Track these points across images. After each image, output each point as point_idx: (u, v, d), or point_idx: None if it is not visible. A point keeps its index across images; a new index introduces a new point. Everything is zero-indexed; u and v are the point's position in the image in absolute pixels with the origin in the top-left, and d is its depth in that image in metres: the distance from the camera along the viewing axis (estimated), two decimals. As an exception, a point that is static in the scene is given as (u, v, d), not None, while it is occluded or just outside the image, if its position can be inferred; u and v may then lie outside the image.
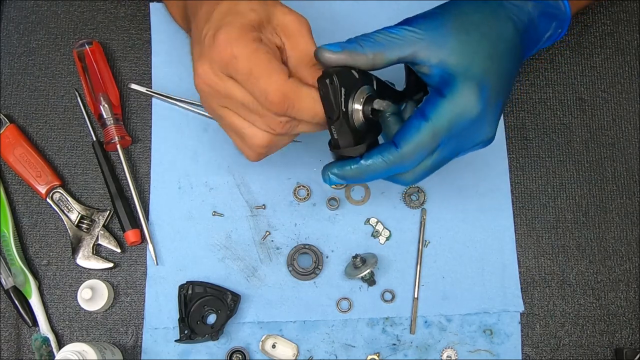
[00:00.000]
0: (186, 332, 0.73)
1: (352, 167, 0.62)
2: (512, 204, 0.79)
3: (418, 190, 0.79)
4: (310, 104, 0.60)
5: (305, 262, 0.77)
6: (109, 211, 0.78)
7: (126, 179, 0.78)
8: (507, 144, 0.80)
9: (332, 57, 0.60)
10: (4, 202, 0.79)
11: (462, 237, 0.78)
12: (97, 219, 0.78)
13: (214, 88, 0.60)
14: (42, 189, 0.78)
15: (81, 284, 0.76)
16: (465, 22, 0.63)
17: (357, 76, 0.62)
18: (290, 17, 0.62)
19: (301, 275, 0.77)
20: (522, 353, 0.76)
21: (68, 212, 0.78)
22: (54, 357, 0.74)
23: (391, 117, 0.64)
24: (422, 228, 0.78)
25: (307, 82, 0.61)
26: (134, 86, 0.82)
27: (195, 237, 0.78)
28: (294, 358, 0.75)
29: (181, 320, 0.74)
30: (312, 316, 0.76)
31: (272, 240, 0.78)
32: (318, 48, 0.61)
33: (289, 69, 0.61)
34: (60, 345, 0.75)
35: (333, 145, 0.62)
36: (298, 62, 0.62)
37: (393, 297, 0.76)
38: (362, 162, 0.62)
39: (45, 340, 0.75)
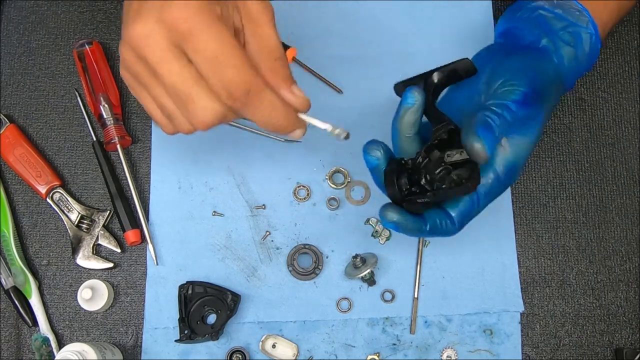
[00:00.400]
0: (186, 332, 0.73)
1: (414, 226, 0.63)
2: (512, 204, 0.79)
3: (418, 190, 0.78)
4: (267, 111, 0.56)
5: (305, 262, 0.77)
6: (109, 211, 0.78)
7: (126, 179, 0.78)
8: (507, 144, 0.81)
9: None
10: (4, 202, 0.79)
11: (462, 237, 0.78)
12: (97, 219, 0.78)
13: (155, 51, 0.52)
14: (42, 189, 0.78)
15: (81, 284, 0.76)
16: (549, 112, 0.66)
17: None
18: (255, 0, 0.56)
19: (301, 275, 0.77)
20: (522, 353, 0.76)
21: (68, 212, 0.78)
22: (54, 357, 0.74)
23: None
24: (422, 228, 0.78)
25: (264, 75, 0.56)
26: (134, 86, 0.81)
27: (195, 237, 0.78)
28: (294, 358, 0.75)
29: (181, 320, 0.74)
30: (312, 316, 0.76)
31: (272, 240, 0.78)
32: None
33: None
34: (60, 345, 0.75)
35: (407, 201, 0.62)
36: (257, 52, 0.57)
37: (393, 297, 0.76)
38: (424, 228, 0.63)
39: (45, 340, 0.75)
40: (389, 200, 0.64)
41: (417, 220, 0.63)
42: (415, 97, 0.62)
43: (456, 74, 0.65)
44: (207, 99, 0.54)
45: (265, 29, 0.57)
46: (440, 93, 0.65)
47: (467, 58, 0.65)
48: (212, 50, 0.51)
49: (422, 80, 0.64)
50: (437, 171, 0.61)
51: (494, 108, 0.61)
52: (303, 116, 0.60)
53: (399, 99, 0.67)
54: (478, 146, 0.59)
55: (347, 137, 0.61)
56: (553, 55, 0.67)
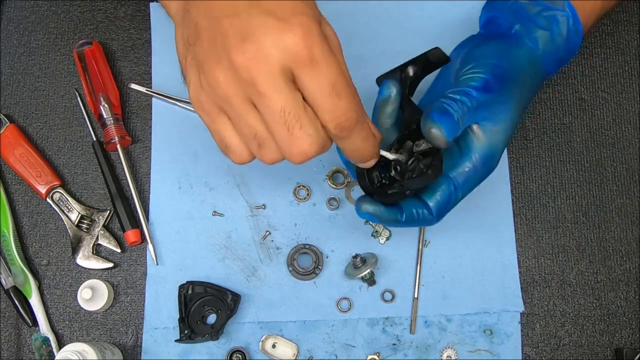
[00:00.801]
0: (186, 332, 0.73)
1: (389, 217, 0.64)
2: (512, 204, 0.79)
3: (418, 190, 0.79)
4: (361, 141, 0.55)
5: (305, 262, 0.77)
6: (109, 211, 0.78)
7: (126, 179, 0.78)
8: (507, 144, 0.81)
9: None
10: (4, 202, 0.79)
11: (462, 237, 0.78)
12: (97, 219, 0.78)
13: (254, 81, 0.49)
14: (42, 189, 0.78)
15: (81, 284, 0.76)
16: (522, 96, 0.66)
17: None
18: (332, 30, 0.54)
19: (301, 275, 0.77)
20: (522, 353, 0.76)
21: (68, 212, 0.78)
22: (54, 357, 0.74)
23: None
24: (422, 228, 0.78)
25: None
26: (134, 86, 0.82)
27: (195, 237, 0.78)
28: (294, 358, 0.75)
29: (181, 320, 0.74)
30: (312, 316, 0.76)
31: (272, 240, 0.78)
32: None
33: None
34: (60, 345, 0.75)
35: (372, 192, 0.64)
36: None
37: (393, 297, 0.76)
38: (400, 218, 0.64)
39: (45, 340, 0.75)
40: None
41: (392, 211, 0.64)
42: (390, 89, 0.63)
43: (429, 63, 0.66)
44: (312, 129, 0.52)
45: (341, 58, 0.55)
46: (417, 85, 0.66)
47: (437, 47, 0.66)
48: (331, 79, 0.50)
49: (398, 72, 0.65)
50: (409, 162, 0.62)
51: (452, 95, 0.62)
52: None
53: None
54: (435, 131, 0.60)
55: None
56: (525, 40, 0.67)
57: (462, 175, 0.64)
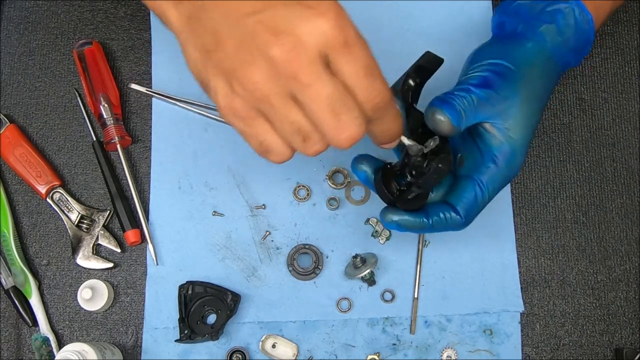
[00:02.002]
0: (186, 332, 0.73)
1: (416, 223, 0.65)
2: (512, 204, 0.79)
3: (418, 190, 0.79)
4: (392, 122, 0.56)
5: (305, 262, 0.77)
6: (109, 211, 0.78)
7: (126, 179, 0.78)
8: (507, 144, 0.81)
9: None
10: (4, 202, 0.79)
11: (462, 237, 0.78)
12: (97, 219, 0.78)
13: (308, 71, 0.49)
14: (42, 189, 0.78)
15: (81, 284, 0.76)
16: (531, 92, 0.66)
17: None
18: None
19: (301, 275, 0.77)
20: (522, 353, 0.76)
21: (68, 212, 0.78)
22: (54, 357, 0.74)
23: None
24: (422, 228, 0.78)
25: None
26: (134, 86, 0.82)
27: (195, 237, 0.78)
28: (294, 358, 0.75)
29: (181, 320, 0.74)
30: (312, 316, 0.76)
31: (272, 240, 0.78)
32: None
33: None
34: (60, 345, 0.75)
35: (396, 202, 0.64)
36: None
37: (393, 297, 0.76)
38: (427, 223, 0.65)
39: (45, 340, 0.75)
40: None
41: (418, 217, 0.65)
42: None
43: (424, 69, 0.66)
44: (357, 111, 0.51)
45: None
46: (420, 92, 0.66)
47: (428, 51, 0.67)
48: (365, 61, 0.51)
49: (398, 88, 0.65)
50: (425, 164, 0.62)
51: (451, 91, 0.63)
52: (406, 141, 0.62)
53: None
54: (439, 116, 0.60)
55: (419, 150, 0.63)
56: (529, 36, 0.68)
57: (486, 175, 0.65)
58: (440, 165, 0.61)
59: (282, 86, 0.50)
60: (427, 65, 0.66)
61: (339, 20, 0.49)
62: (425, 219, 0.65)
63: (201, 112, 0.80)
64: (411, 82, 0.65)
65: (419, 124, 0.64)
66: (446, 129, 0.61)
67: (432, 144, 0.62)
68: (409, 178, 0.63)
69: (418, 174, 0.63)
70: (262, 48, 0.48)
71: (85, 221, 0.78)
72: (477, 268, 0.77)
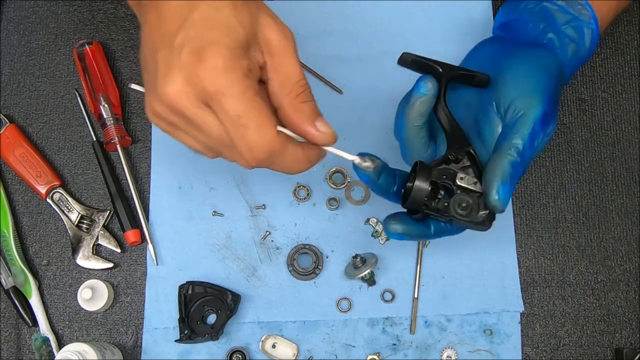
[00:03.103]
0: (186, 332, 0.73)
1: (419, 234, 0.64)
2: (512, 204, 0.79)
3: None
4: (289, 163, 0.56)
5: (305, 262, 0.77)
6: (109, 211, 0.78)
7: (126, 179, 0.78)
8: (507, 144, 0.81)
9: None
10: (4, 202, 0.79)
11: (462, 237, 0.78)
12: (97, 219, 0.78)
13: (185, 114, 0.53)
14: (42, 189, 0.78)
15: (81, 284, 0.76)
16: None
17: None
18: (276, 32, 0.55)
19: (301, 275, 0.77)
20: (522, 353, 0.76)
21: (68, 212, 0.78)
22: (54, 357, 0.74)
23: None
24: (422, 228, 0.78)
25: (288, 116, 0.56)
26: (134, 86, 0.81)
27: (195, 237, 0.78)
28: (294, 358, 0.75)
29: (181, 320, 0.74)
30: (312, 316, 0.76)
31: (272, 240, 0.78)
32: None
33: (270, 94, 0.56)
34: (60, 345, 0.75)
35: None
36: (279, 88, 0.56)
37: (393, 297, 0.76)
38: (429, 233, 0.64)
39: (45, 340, 0.75)
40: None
41: (421, 227, 0.64)
42: (428, 88, 0.61)
43: (471, 80, 0.65)
44: (235, 159, 0.56)
45: (286, 62, 0.55)
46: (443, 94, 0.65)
47: (487, 75, 0.65)
48: (235, 111, 0.52)
49: (436, 67, 0.63)
50: (457, 191, 0.61)
51: (513, 156, 0.61)
52: (329, 148, 0.59)
53: (400, 96, 0.67)
54: (499, 207, 0.60)
55: (375, 167, 0.62)
56: (558, 51, 0.67)
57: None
58: (485, 228, 0.62)
59: (180, 116, 0.54)
60: (477, 80, 0.65)
61: (212, 71, 0.51)
62: (428, 230, 0.64)
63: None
64: (451, 76, 0.64)
65: (459, 150, 0.63)
66: (499, 212, 0.61)
67: (470, 186, 0.61)
68: (439, 196, 0.61)
69: (449, 195, 0.62)
70: (156, 84, 0.53)
71: (85, 221, 0.78)
72: (477, 268, 0.77)
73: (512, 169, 0.60)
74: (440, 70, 0.63)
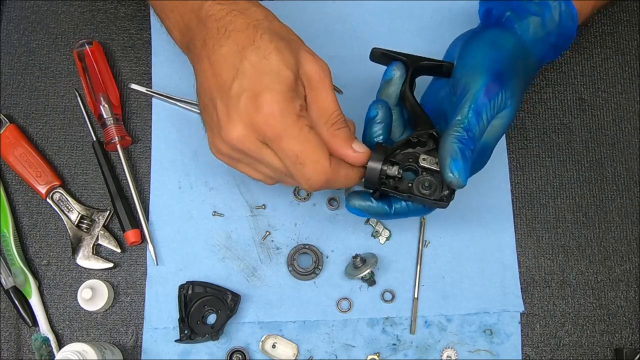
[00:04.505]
0: (186, 332, 0.73)
1: (378, 211, 0.67)
2: (512, 204, 0.79)
3: (418, 190, 0.79)
4: (344, 183, 0.62)
5: (305, 262, 0.77)
6: (109, 211, 0.78)
7: (126, 179, 0.78)
8: (507, 144, 0.80)
9: None
10: (4, 202, 0.79)
11: (462, 237, 0.78)
12: (97, 219, 0.78)
13: (247, 153, 0.60)
14: (42, 189, 0.78)
15: (81, 284, 0.76)
16: (519, 86, 0.67)
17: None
18: (314, 65, 0.61)
19: (301, 275, 0.77)
20: (522, 353, 0.76)
21: (68, 212, 0.78)
22: (54, 357, 0.74)
23: None
24: (422, 228, 0.78)
25: (327, 141, 0.61)
26: (134, 86, 0.82)
27: (195, 237, 0.78)
28: (294, 358, 0.75)
29: (181, 320, 0.74)
30: (312, 316, 0.76)
31: (272, 240, 0.78)
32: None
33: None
34: (60, 345, 0.75)
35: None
36: (318, 118, 0.61)
37: (393, 297, 0.76)
38: (389, 211, 0.67)
39: (45, 340, 0.75)
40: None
41: (381, 206, 0.67)
42: (394, 71, 0.67)
43: (440, 70, 0.69)
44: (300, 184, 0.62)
45: (323, 95, 0.61)
46: (415, 80, 0.69)
47: (452, 63, 0.68)
48: (292, 151, 0.58)
49: (402, 58, 0.68)
50: (420, 175, 0.65)
51: (459, 132, 0.62)
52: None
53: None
54: (456, 182, 0.61)
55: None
56: (515, 26, 0.68)
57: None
58: (444, 203, 0.64)
59: (244, 155, 0.61)
60: (444, 69, 0.69)
61: (269, 117, 0.57)
62: (388, 209, 0.67)
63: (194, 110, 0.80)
64: (419, 70, 0.69)
65: (421, 129, 0.66)
66: (460, 188, 0.63)
67: (432, 166, 0.64)
68: (396, 173, 0.64)
69: (403, 176, 0.65)
70: (219, 128, 0.60)
71: (85, 221, 0.78)
72: (477, 268, 0.77)
73: (461, 143, 0.62)
74: (406, 59, 0.68)
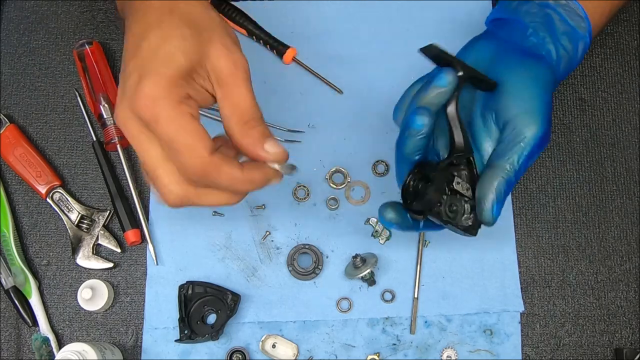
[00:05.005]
0: (186, 332, 0.73)
1: (408, 227, 0.65)
2: (512, 204, 0.79)
3: (418, 190, 0.78)
4: (228, 183, 0.57)
5: (305, 262, 0.77)
6: (109, 211, 0.78)
7: (126, 179, 0.78)
8: (507, 144, 0.80)
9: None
10: (4, 202, 0.79)
11: (462, 237, 0.78)
12: (97, 219, 0.78)
13: (130, 134, 0.57)
14: (42, 189, 0.78)
15: (81, 284, 0.76)
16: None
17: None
18: (225, 60, 0.57)
19: (301, 275, 0.77)
20: (522, 353, 0.76)
21: (68, 212, 0.78)
22: (54, 357, 0.74)
23: None
24: (422, 228, 0.78)
25: (237, 141, 0.58)
26: (134, 86, 0.81)
27: (195, 237, 0.78)
28: (294, 358, 0.75)
29: (181, 320, 0.74)
30: (312, 316, 0.76)
31: (272, 240, 0.78)
32: None
33: (222, 121, 0.58)
34: (60, 345, 0.75)
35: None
36: (229, 116, 0.57)
37: (393, 297, 0.76)
38: (418, 227, 0.66)
39: (45, 340, 0.75)
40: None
41: (413, 222, 0.65)
42: (449, 81, 0.61)
43: (478, 84, 0.65)
44: (170, 181, 0.57)
45: (235, 91, 0.57)
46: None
47: (494, 82, 0.65)
48: (168, 134, 0.55)
49: (456, 66, 0.62)
50: (449, 197, 0.63)
51: (509, 175, 0.62)
52: (274, 165, 0.60)
53: (399, 96, 0.67)
54: (491, 222, 0.62)
55: (292, 169, 0.61)
56: (554, 64, 0.67)
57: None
58: (472, 233, 0.64)
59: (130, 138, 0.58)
60: (484, 85, 0.65)
61: (149, 98, 0.55)
62: (416, 223, 0.66)
63: (201, 112, 0.80)
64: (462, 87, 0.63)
65: (461, 157, 0.64)
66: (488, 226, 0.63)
67: (463, 191, 0.63)
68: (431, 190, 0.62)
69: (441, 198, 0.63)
70: (115, 108, 0.58)
71: (85, 221, 0.78)
72: (477, 268, 0.77)
73: (507, 186, 0.62)
74: (460, 70, 0.61)
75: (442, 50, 0.62)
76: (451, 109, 0.62)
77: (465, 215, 0.63)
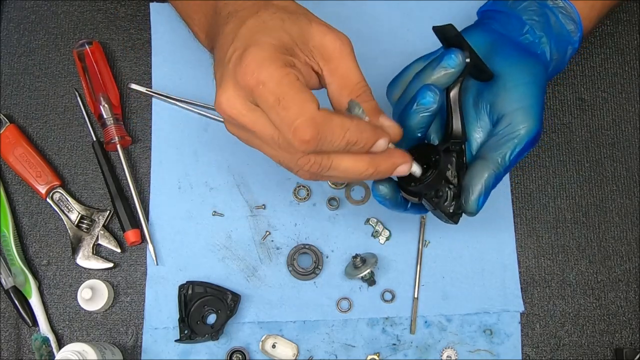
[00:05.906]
0: (186, 332, 0.73)
1: (398, 206, 0.65)
2: (512, 204, 0.79)
3: (418, 190, 0.79)
4: (340, 136, 0.53)
5: (305, 262, 0.77)
6: (109, 211, 0.78)
7: (126, 179, 0.78)
8: (507, 144, 0.80)
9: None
10: (4, 202, 0.79)
11: (462, 237, 0.78)
12: (97, 219, 0.78)
13: (238, 120, 0.54)
14: (42, 189, 0.78)
15: (81, 284, 0.76)
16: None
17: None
18: (330, 37, 0.56)
19: (301, 275, 0.77)
20: (522, 353, 0.76)
21: (68, 212, 0.78)
22: (54, 357, 0.74)
23: None
24: (422, 228, 0.78)
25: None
26: (134, 86, 0.82)
27: (195, 237, 0.78)
28: (294, 358, 0.75)
29: (181, 320, 0.74)
30: (312, 316, 0.76)
31: (272, 240, 0.78)
32: None
33: (330, 99, 0.56)
34: (60, 345, 0.75)
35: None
36: (339, 90, 0.56)
37: (393, 297, 0.76)
38: (406, 206, 0.66)
39: (45, 340, 0.75)
40: None
41: (402, 200, 0.65)
42: (458, 62, 0.60)
43: (477, 73, 0.65)
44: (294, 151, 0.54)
45: (343, 65, 0.56)
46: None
47: (492, 72, 0.65)
48: (274, 95, 0.52)
49: (467, 52, 0.61)
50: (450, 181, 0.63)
51: (499, 170, 0.62)
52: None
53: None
54: (474, 213, 0.62)
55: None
56: (547, 65, 0.67)
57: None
58: (454, 221, 0.64)
59: (236, 126, 0.58)
60: (485, 74, 0.65)
61: (252, 66, 0.52)
62: (406, 205, 0.66)
63: (201, 112, 0.80)
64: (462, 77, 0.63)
65: (457, 145, 0.64)
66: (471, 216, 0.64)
67: (454, 180, 0.63)
68: (428, 175, 0.62)
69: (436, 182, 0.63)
70: (217, 96, 0.55)
71: (85, 221, 0.78)
72: (477, 268, 0.77)
73: (495, 180, 0.63)
74: (468, 57, 0.61)
75: (458, 33, 0.61)
76: (454, 93, 0.62)
77: (447, 202, 0.63)
